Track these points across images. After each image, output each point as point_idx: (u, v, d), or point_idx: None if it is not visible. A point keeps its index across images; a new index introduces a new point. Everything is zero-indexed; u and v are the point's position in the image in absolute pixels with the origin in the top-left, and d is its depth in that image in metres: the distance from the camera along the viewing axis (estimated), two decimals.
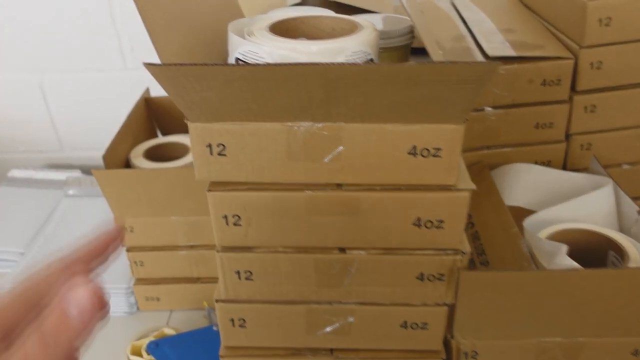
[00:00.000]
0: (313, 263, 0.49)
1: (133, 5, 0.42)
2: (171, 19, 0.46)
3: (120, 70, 1.19)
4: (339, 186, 0.47)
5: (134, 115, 0.93)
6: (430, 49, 0.44)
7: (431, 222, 0.47)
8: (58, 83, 1.22)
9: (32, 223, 0.99)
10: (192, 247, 0.82)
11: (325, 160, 0.45)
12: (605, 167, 0.78)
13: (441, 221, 0.47)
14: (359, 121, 0.43)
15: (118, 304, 0.85)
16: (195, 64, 0.37)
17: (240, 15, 0.68)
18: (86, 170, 1.19)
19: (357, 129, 0.44)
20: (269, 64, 0.38)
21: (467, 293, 0.49)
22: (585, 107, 0.75)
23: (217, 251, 0.50)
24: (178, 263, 0.82)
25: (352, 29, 0.48)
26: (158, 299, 0.85)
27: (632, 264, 0.55)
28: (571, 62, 0.72)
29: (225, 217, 0.48)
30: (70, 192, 1.10)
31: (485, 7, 0.87)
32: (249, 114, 0.43)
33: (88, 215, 1.01)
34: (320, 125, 0.44)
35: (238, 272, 0.50)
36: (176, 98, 0.41)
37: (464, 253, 0.49)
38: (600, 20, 0.69)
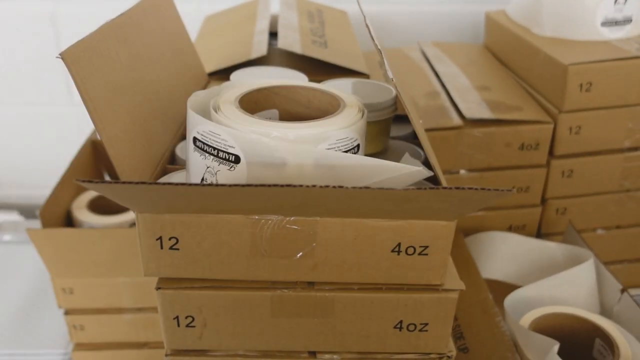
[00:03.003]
0: None
1: (82, 36, 0.35)
2: (118, 88, 0.39)
3: (67, 106, 1.10)
4: (310, 285, 0.41)
5: (78, 159, 0.84)
6: (422, 140, 0.38)
7: (414, 325, 0.42)
8: None
9: None
10: (139, 309, 0.74)
11: (297, 257, 0.39)
12: (580, 232, 0.75)
13: (425, 324, 0.42)
14: (336, 215, 0.38)
15: None
16: (137, 183, 0.31)
17: (202, 73, 0.61)
18: (26, 211, 1.09)
19: (333, 224, 0.38)
20: (229, 186, 0.32)
21: None
22: (563, 172, 0.71)
23: (166, 354, 0.43)
24: (123, 327, 0.74)
25: (334, 105, 0.42)
26: None
27: (623, 358, 0.51)
28: (551, 126, 0.68)
29: (177, 317, 0.41)
30: (6, 237, 1.00)
31: (459, 60, 0.83)
32: (206, 207, 0.37)
33: (25, 265, 0.91)
34: (291, 219, 0.38)
35: None
36: (117, 199, 0.34)
37: (449, 357, 0.43)
38: (580, 85, 0.66)
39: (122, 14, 0.43)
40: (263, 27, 0.72)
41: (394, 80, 0.36)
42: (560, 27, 0.73)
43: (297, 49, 0.64)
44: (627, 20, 0.71)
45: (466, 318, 0.59)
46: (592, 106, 0.68)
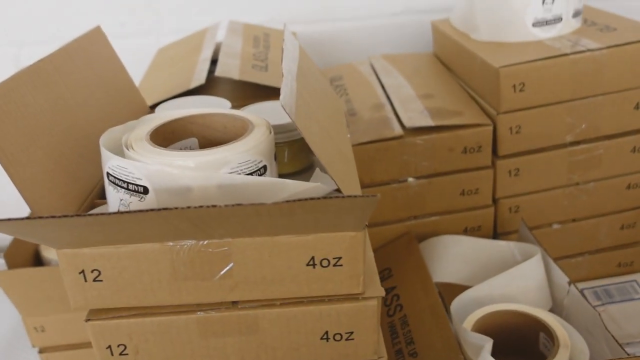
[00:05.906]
0: None
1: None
2: (34, 131, 0.41)
3: None
4: (234, 304, 0.42)
5: None
6: (326, 165, 0.39)
7: (340, 334, 0.43)
8: None
9: None
10: None
11: (216, 278, 0.41)
12: (536, 228, 0.76)
13: (351, 332, 0.43)
14: (247, 235, 0.39)
15: None
16: (35, 218, 0.33)
17: (142, 106, 0.63)
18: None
19: (246, 244, 0.40)
20: (115, 213, 0.33)
21: None
22: (510, 171, 0.73)
23: None
24: None
25: (243, 129, 0.44)
26: None
27: (562, 349, 0.52)
28: (490, 128, 0.70)
29: (110, 347, 0.43)
30: None
31: (405, 70, 0.85)
32: (121, 238, 0.38)
33: (2, 307, 0.92)
34: (205, 242, 0.39)
35: None
36: (28, 238, 0.36)
37: None
38: (514, 86, 0.68)
39: (40, 60, 0.46)
40: (206, 56, 0.74)
41: (283, 97, 0.38)
42: (495, 31, 0.75)
43: (235, 74, 0.66)
44: (558, 19, 0.73)
45: (417, 323, 0.60)
46: (528, 105, 0.69)
